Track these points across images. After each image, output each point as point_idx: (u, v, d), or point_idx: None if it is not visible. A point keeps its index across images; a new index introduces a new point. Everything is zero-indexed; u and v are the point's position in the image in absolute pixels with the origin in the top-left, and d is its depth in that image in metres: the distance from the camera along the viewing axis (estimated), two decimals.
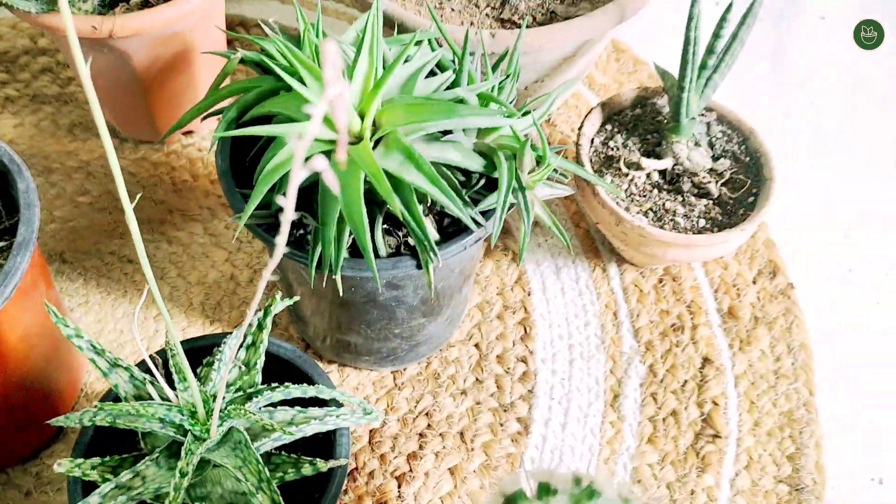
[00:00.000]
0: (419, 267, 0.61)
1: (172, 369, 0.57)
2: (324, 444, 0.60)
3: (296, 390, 0.58)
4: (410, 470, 0.73)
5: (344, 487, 0.72)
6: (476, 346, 0.81)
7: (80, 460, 0.53)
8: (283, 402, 0.59)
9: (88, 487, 0.56)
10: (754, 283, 0.87)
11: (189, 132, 0.94)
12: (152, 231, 0.87)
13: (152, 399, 0.57)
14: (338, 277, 0.60)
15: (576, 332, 0.83)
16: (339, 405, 0.60)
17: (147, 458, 0.55)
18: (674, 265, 0.87)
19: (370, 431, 0.75)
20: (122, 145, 0.93)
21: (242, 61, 0.67)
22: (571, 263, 0.87)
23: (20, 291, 0.62)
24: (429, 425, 0.76)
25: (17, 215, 0.65)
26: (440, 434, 0.75)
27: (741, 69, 1.06)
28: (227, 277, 0.84)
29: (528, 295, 0.85)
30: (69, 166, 0.91)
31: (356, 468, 0.73)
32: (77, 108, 0.96)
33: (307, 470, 0.57)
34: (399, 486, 0.72)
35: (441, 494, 0.72)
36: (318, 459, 0.57)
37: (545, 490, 0.38)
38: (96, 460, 0.54)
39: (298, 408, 0.58)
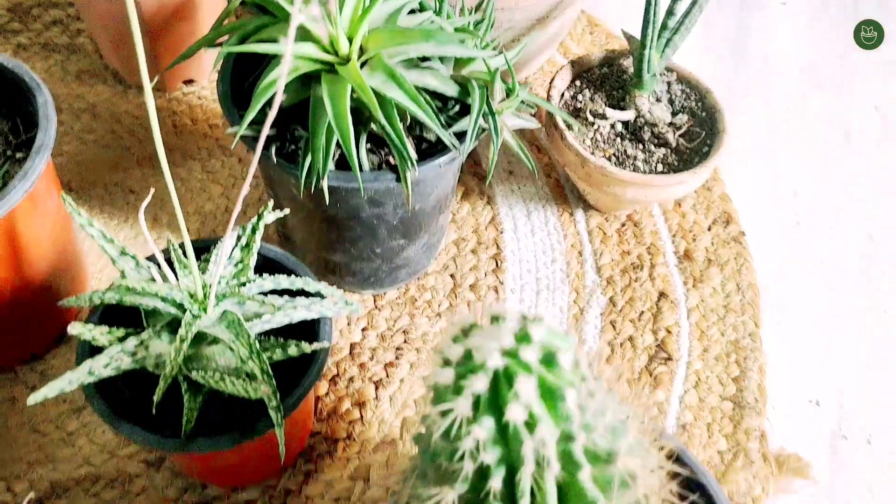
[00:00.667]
0: (398, 180, 0.68)
1: (175, 259, 0.64)
2: (308, 334, 0.66)
3: (284, 281, 0.64)
4: (387, 376, 0.80)
5: (326, 391, 0.78)
6: (451, 276, 0.88)
7: (90, 325, 0.60)
8: (273, 293, 0.66)
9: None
10: (709, 230, 0.94)
11: (190, 81, 1.01)
12: (153, 167, 0.93)
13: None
14: (324, 184, 0.67)
15: (543, 267, 0.90)
16: (323, 297, 0.66)
17: (150, 330, 0.61)
18: (635, 212, 0.94)
19: (350, 345, 0.82)
20: (127, 91, 1.00)
21: (243, 3, 0.74)
22: (541, 208, 0.95)
23: (34, 196, 0.68)
24: (405, 341, 0.82)
25: (34, 130, 0.71)
26: (416, 349, 0.82)
27: (703, 49, 1.14)
28: (221, 210, 0.91)
29: (501, 234, 0.92)
30: (77, 107, 0.98)
31: (337, 374, 0.80)
32: (85, 56, 1.03)
33: (293, 351, 0.63)
34: (376, 390, 0.79)
35: (415, 397, 0.78)
36: (302, 342, 0.64)
37: (496, 319, 0.45)
38: (105, 328, 0.61)
39: (287, 297, 0.65)
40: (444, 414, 0.43)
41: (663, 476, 0.50)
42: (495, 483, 0.43)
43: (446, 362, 0.45)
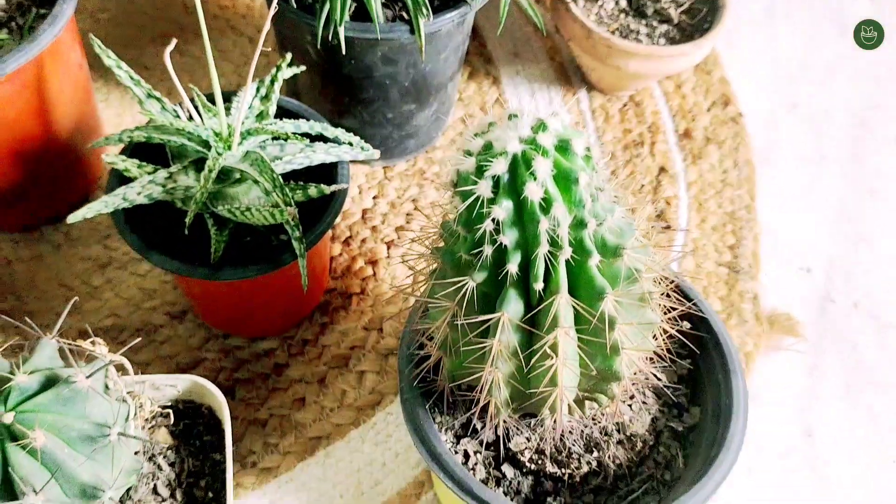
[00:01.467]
0: (412, 32, 0.70)
1: (199, 104, 0.66)
2: (326, 178, 0.69)
3: (304, 125, 0.67)
4: (398, 237, 0.83)
5: (340, 251, 0.81)
6: (458, 149, 0.91)
7: (123, 156, 0.63)
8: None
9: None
10: (708, 111, 0.97)
11: None
12: (165, 44, 0.95)
13: None
14: (341, 32, 0.69)
15: None
16: (341, 143, 0.69)
17: (178, 166, 0.64)
18: (637, 93, 0.97)
19: (362, 210, 0.85)
20: None
21: None
22: (546, 89, 0.97)
23: (60, 44, 0.70)
24: (415, 207, 0.86)
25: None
26: (425, 214, 0.85)
27: None
28: (234, 85, 0.93)
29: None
30: None
31: (350, 236, 0.83)
32: None
33: (313, 192, 0.66)
34: (388, 249, 0.82)
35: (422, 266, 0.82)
36: (321, 185, 0.67)
37: (513, 117, 0.48)
38: (136, 161, 0.64)
39: (307, 141, 0.67)
40: (465, 197, 0.46)
41: (662, 282, 0.54)
42: (512, 267, 0.47)
43: (468, 153, 0.48)
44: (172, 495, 0.57)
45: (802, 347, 0.82)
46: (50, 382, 0.49)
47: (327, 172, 0.69)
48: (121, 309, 0.78)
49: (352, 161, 0.80)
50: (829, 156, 0.96)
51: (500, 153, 0.45)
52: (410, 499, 0.70)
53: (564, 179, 0.45)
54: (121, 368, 0.53)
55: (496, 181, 0.45)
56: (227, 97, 0.71)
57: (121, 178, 0.65)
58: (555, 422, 0.55)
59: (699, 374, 0.62)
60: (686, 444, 0.61)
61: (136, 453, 0.53)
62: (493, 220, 0.45)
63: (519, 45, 1.00)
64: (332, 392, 0.74)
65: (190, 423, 0.60)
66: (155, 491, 0.57)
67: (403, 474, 0.71)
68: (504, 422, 0.55)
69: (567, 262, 0.47)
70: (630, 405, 0.60)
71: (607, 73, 0.92)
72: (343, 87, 0.78)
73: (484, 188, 0.45)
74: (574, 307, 0.48)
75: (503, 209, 0.45)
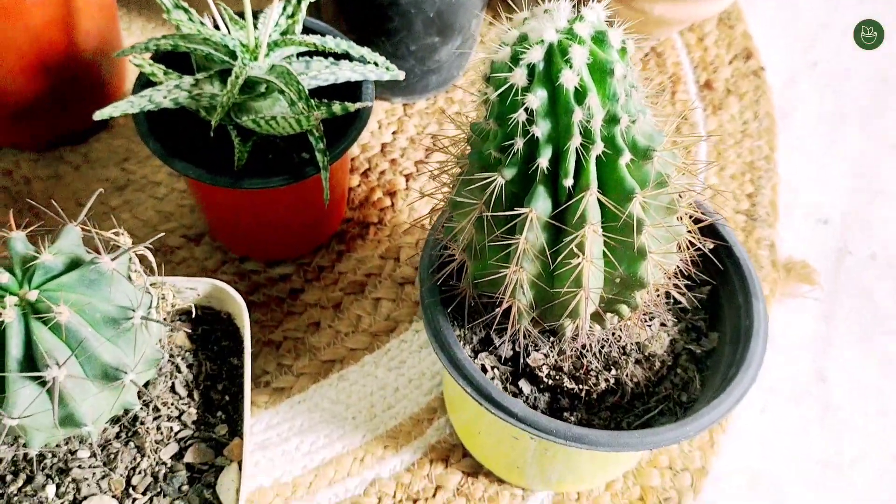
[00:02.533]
0: None
1: (225, 17, 0.66)
2: (350, 99, 0.69)
3: (330, 41, 0.67)
4: (417, 171, 0.83)
5: (358, 183, 0.81)
6: (479, 90, 0.91)
7: (150, 61, 0.63)
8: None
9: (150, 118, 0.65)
10: (730, 63, 0.97)
11: None
12: None
13: None
14: None
15: None
16: (366, 63, 0.69)
17: (204, 75, 0.64)
18: (658, 44, 0.96)
19: (381, 144, 0.85)
20: None
21: None
22: None
23: None
24: (433, 143, 0.85)
25: None
26: (443, 149, 0.85)
27: None
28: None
29: None
30: None
31: (369, 168, 0.83)
32: None
33: (337, 109, 0.66)
34: (407, 182, 0.82)
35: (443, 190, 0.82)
36: (345, 102, 0.66)
37: (548, 11, 0.47)
38: (163, 66, 0.63)
39: (332, 59, 0.67)
40: (499, 86, 0.46)
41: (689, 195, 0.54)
42: (542, 161, 0.46)
43: (503, 44, 0.48)
44: (190, 395, 0.57)
45: (818, 295, 0.82)
46: (74, 265, 0.49)
47: (351, 94, 0.69)
48: (138, 230, 0.78)
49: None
50: (849, 113, 0.96)
51: (537, 42, 0.45)
52: (423, 424, 0.70)
53: (600, 71, 0.45)
54: (143, 260, 0.53)
55: (531, 70, 0.45)
56: (254, 14, 0.70)
57: (145, 85, 0.65)
58: (576, 330, 0.55)
59: (719, 300, 0.62)
60: (703, 368, 0.61)
61: (158, 343, 0.52)
62: (526, 109, 0.45)
63: None
64: (346, 317, 0.74)
65: (208, 329, 0.60)
66: (173, 390, 0.57)
67: (416, 400, 0.71)
68: (524, 334, 0.55)
69: (598, 158, 0.47)
70: (650, 325, 0.60)
71: (631, 19, 0.92)
72: (367, 14, 0.77)
73: (519, 76, 0.45)
74: (603, 204, 0.47)
75: (537, 98, 0.45)
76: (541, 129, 0.46)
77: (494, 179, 0.48)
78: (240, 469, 0.55)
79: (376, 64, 0.68)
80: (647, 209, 0.49)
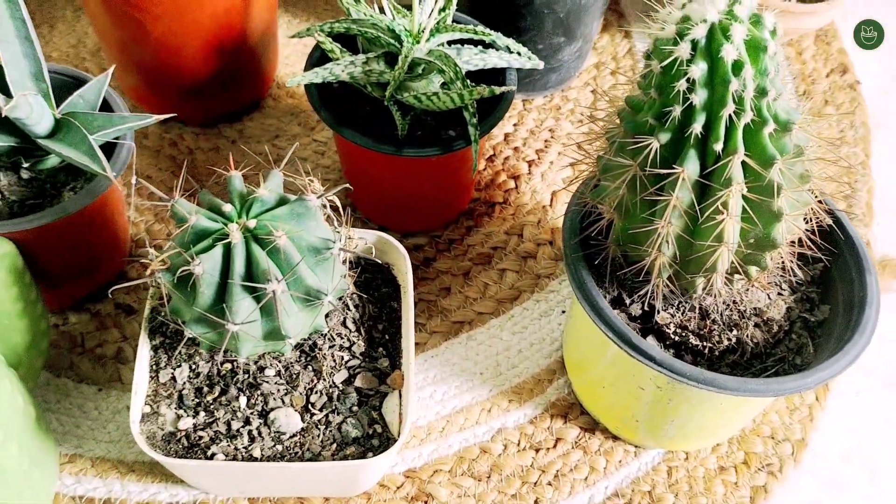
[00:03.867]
0: None
1: (389, 5, 0.74)
2: (490, 84, 0.76)
3: (480, 30, 0.75)
4: (538, 158, 0.90)
5: (483, 167, 0.89)
6: (592, 91, 0.98)
7: (330, 38, 0.71)
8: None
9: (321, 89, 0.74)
10: (827, 77, 1.03)
11: None
12: None
13: None
14: None
15: None
16: (511, 51, 0.77)
17: (371, 55, 0.72)
18: None
19: (504, 134, 0.92)
20: None
21: None
22: None
23: None
24: (552, 136, 0.93)
25: None
26: (562, 143, 0.92)
27: None
28: None
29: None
30: None
31: (493, 154, 0.90)
32: None
33: (484, 91, 0.74)
34: (529, 167, 0.89)
35: (563, 176, 0.89)
36: (492, 85, 0.74)
37: None
38: (339, 45, 0.72)
39: (481, 47, 0.75)
40: (663, 59, 0.53)
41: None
42: (697, 126, 0.53)
43: (665, 24, 0.55)
44: (358, 331, 0.65)
45: None
46: (282, 201, 0.57)
47: (490, 81, 0.77)
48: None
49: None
50: None
51: (700, 21, 0.52)
52: (543, 383, 0.76)
53: (755, 48, 0.52)
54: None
55: (694, 45, 0.52)
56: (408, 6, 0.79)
57: (316, 63, 0.74)
58: (708, 287, 0.61)
59: (830, 276, 0.68)
60: (815, 336, 0.67)
61: (342, 277, 0.60)
62: (688, 79, 0.52)
63: (650, 5, 1.07)
64: (474, 285, 0.81)
65: (370, 277, 0.68)
66: (344, 324, 0.64)
67: (537, 362, 0.78)
68: (660, 286, 0.62)
69: (745, 126, 0.54)
70: (769, 293, 0.66)
71: None
72: (502, 12, 0.85)
73: (683, 50, 0.52)
74: (746, 168, 0.54)
75: (699, 69, 0.52)
76: (699, 97, 0.53)
77: (650, 143, 0.55)
78: (400, 396, 0.62)
79: (519, 54, 0.76)
80: (785, 175, 0.55)
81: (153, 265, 0.54)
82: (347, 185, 0.65)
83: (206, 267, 0.52)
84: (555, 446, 0.73)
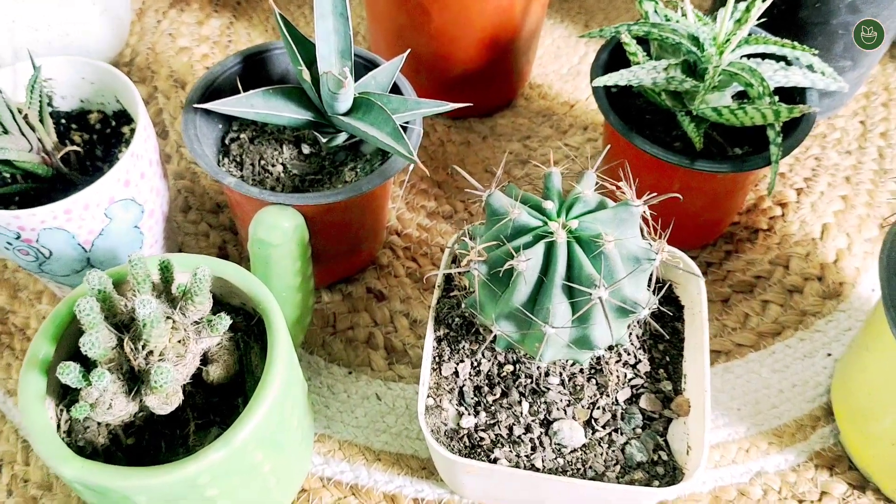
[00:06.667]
0: None
1: (689, 10, 0.71)
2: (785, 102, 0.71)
3: (788, 45, 0.70)
4: (807, 187, 0.84)
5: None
6: (861, 122, 0.91)
7: (634, 41, 0.68)
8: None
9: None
10: None
11: None
12: None
13: None
14: None
15: None
16: (812, 71, 0.71)
17: (668, 62, 0.69)
18: None
19: None
20: None
21: None
22: None
23: None
24: (818, 164, 0.87)
25: None
26: (829, 174, 0.86)
27: None
28: None
29: None
30: None
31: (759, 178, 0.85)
32: None
33: (804, 111, 0.68)
34: (798, 196, 0.83)
35: (834, 209, 0.83)
36: (793, 106, 0.69)
37: None
38: (641, 48, 0.69)
39: (783, 63, 0.70)
40: None
41: None
42: None
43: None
44: (642, 348, 0.61)
45: None
46: (602, 204, 0.54)
47: (785, 99, 0.72)
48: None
49: None
50: None
51: None
52: (806, 429, 0.70)
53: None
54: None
55: None
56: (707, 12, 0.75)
57: (603, 65, 0.72)
58: None
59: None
60: None
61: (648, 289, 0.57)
62: None
63: None
64: (733, 314, 0.76)
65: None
66: (630, 340, 0.61)
67: (800, 406, 0.72)
68: None
69: None
70: None
71: None
72: (790, 30, 0.80)
73: None
74: None
75: None
76: None
77: None
78: (685, 424, 0.58)
79: (823, 73, 0.71)
80: None
81: (470, 255, 0.53)
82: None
83: (531, 264, 0.50)
84: (819, 500, 0.67)
